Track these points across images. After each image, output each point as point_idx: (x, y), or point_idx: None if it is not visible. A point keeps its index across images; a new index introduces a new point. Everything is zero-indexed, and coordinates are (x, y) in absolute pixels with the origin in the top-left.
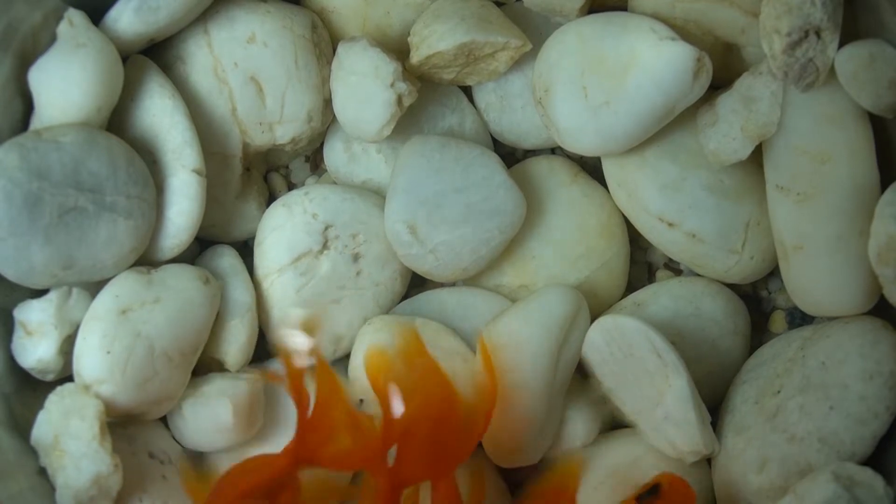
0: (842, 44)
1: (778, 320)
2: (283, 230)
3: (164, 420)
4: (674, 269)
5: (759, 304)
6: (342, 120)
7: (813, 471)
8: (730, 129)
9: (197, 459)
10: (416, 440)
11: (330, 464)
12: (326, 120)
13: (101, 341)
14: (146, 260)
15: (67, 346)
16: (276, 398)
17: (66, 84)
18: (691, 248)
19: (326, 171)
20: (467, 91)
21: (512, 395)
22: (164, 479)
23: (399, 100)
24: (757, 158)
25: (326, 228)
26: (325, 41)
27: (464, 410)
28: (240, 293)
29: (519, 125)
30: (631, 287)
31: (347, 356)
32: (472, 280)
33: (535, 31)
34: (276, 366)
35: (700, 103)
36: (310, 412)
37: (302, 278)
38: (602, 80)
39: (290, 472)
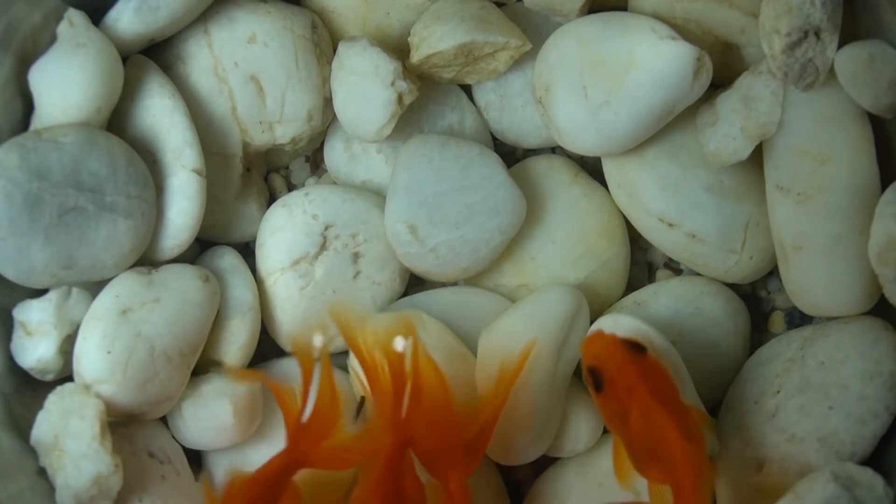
0: (842, 44)
1: (777, 320)
2: (283, 231)
3: (164, 420)
4: (674, 268)
5: (759, 305)
6: (342, 119)
7: (813, 471)
8: (730, 128)
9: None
10: (425, 408)
11: (324, 464)
12: (326, 119)
13: (101, 341)
14: (146, 260)
15: (67, 346)
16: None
17: (66, 84)
18: (691, 249)
19: (327, 171)
20: (467, 90)
21: (512, 395)
22: (163, 479)
23: (399, 98)
24: (757, 158)
25: (326, 228)
26: (325, 41)
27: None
28: (241, 292)
29: (519, 124)
30: (631, 287)
31: (343, 352)
32: (471, 280)
33: (535, 30)
34: (278, 366)
35: (700, 103)
36: (305, 415)
37: (303, 279)
38: (602, 80)
39: (284, 477)
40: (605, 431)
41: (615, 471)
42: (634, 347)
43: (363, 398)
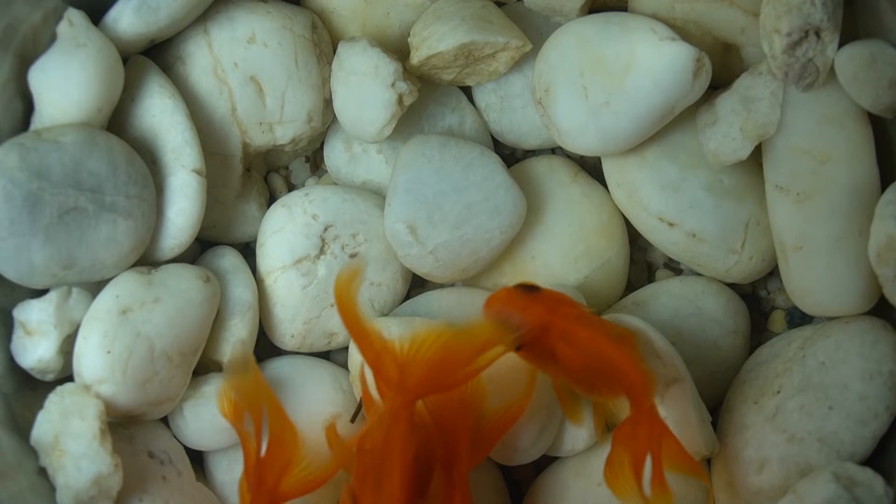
0: (842, 44)
1: (777, 320)
2: (284, 231)
3: (164, 420)
4: (673, 268)
5: (759, 304)
6: (342, 120)
7: (813, 471)
8: (729, 129)
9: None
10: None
11: (296, 494)
12: (327, 120)
13: (101, 341)
14: (146, 260)
15: (67, 346)
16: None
17: (66, 84)
18: (691, 248)
19: (327, 171)
20: (467, 91)
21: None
22: (164, 479)
23: (399, 99)
24: (757, 158)
25: (326, 229)
26: (325, 41)
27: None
28: (241, 291)
29: (519, 125)
30: (631, 287)
31: (343, 349)
32: (472, 280)
33: (535, 31)
34: (274, 365)
35: (700, 103)
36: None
37: (304, 278)
38: (602, 80)
39: None
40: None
41: (566, 415)
42: (528, 288)
43: (361, 401)
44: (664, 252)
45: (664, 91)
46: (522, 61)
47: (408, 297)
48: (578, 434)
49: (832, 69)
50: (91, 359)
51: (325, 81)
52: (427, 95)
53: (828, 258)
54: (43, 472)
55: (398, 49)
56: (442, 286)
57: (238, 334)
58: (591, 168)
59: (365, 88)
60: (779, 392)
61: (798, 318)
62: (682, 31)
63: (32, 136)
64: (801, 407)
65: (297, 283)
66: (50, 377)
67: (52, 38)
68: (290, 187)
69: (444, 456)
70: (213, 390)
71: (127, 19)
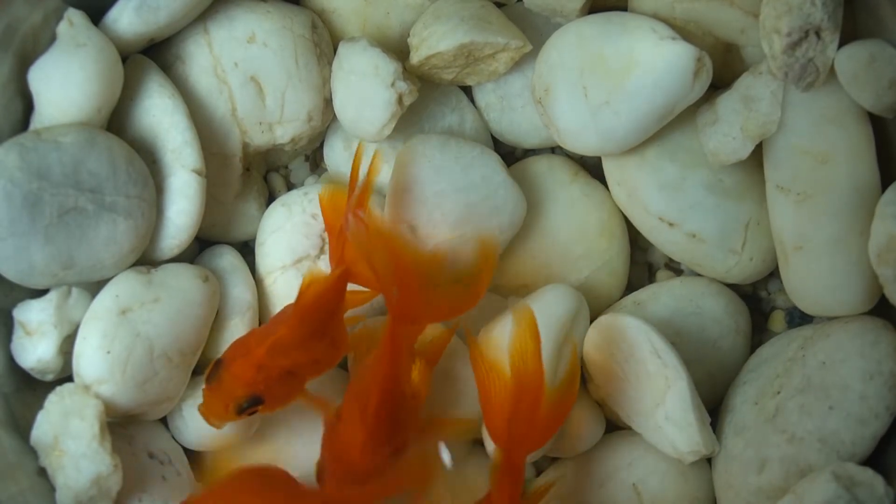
0: (842, 44)
1: (778, 320)
2: (283, 231)
3: (164, 421)
4: (674, 269)
5: (759, 304)
6: (343, 120)
7: (813, 471)
8: (730, 128)
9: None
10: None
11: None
12: (326, 120)
13: (100, 341)
14: (146, 260)
15: (67, 346)
16: None
17: (66, 84)
18: (691, 248)
19: (326, 170)
20: (467, 90)
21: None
22: (163, 479)
23: (399, 99)
24: (757, 158)
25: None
26: (325, 41)
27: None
28: (240, 290)
29: (519, 125)
30: (631, 287)
31: None
32: None
33: (535, 31)
34: None
35: (700, 103)
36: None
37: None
38: (602, 80)
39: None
40: (606, 431)
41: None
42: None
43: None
44: (664, 252)
45: (664, 91)
46: (522, 61)
47: None
48: (579, 435)
49: (832, 69)
50: (91, 359)
51: (325, 81)
52: (427, 95)
53: (828, 258)
54: (43, 472)
55: (398, 49)
56: None
57: (237, 335)
58: (591, 168)
59: (365, 88)
60: (779, 392)
61: (798, 319)
62: (682, 30)
63: (32, 136)
64: (801, 407)
65: (297, 283)
66: (50, 377)
67: (52, 38)
68: (290, 186)
69: (516, 451)
70: None
71: (127, 19)
